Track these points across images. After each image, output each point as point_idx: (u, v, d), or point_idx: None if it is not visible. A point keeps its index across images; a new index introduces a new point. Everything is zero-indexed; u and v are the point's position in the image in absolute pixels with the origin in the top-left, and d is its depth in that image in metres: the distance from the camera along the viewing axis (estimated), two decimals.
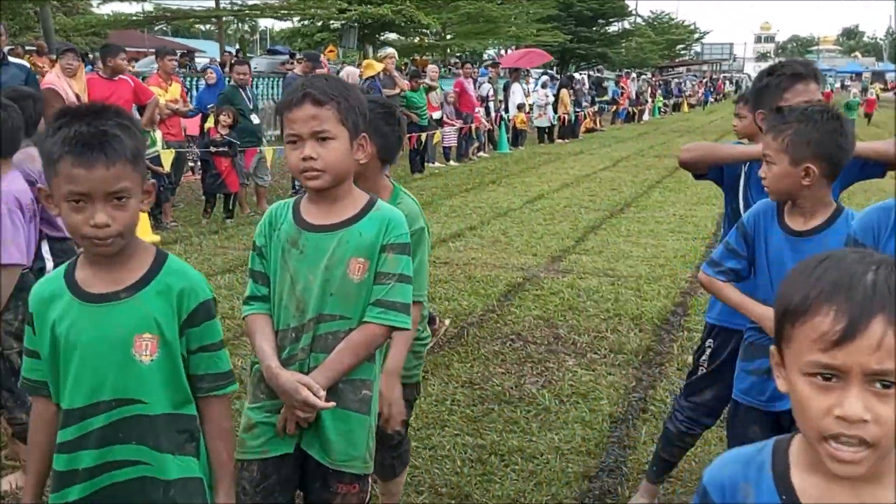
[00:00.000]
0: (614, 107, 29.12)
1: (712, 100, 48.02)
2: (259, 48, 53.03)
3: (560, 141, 21.03)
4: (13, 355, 3.27)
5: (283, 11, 25.95)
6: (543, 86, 19.66)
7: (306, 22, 29.17)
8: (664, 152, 17.79)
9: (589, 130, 24.32)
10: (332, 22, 28.64)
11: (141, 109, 8.21)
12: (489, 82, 16.64)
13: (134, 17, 24.27)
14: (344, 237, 2.08)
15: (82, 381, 1.76)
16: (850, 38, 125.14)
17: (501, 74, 17.61)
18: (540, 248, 7.85)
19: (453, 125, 14.94)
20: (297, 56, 25.45)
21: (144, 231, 8.05)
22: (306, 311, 2.08)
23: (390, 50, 13.60)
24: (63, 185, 1.66)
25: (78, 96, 7.21)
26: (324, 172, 2.03)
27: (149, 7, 24.70)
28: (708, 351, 2.94)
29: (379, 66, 12.43)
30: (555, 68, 40.68)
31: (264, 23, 62.62)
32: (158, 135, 8.59)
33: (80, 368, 1.76)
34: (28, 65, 6.79)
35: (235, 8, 25.36)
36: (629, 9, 51.62)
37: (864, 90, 43.68)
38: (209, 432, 1.87)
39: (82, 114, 1.69)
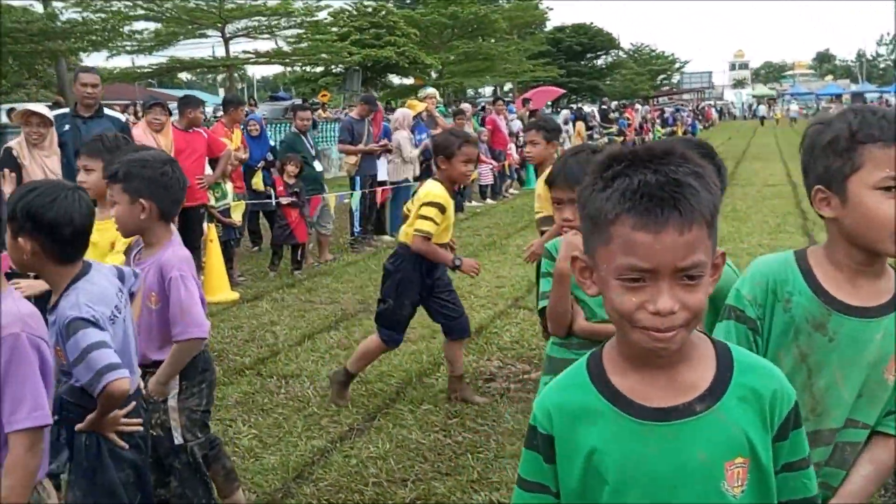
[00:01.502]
0: (622, 138, 29.06)
1: (701, 127, 48.23)
2: (247, 95, 52.69)
3: None
4: (195, 447, 2.81)
5: (294, 58, 25.75)
6: (565, 122, 19.42)
7: (308, 68, 29.03)
8: None
9: None
10: (333, 66, 28.49)
11: (213, 162, 7.76)
12: (518, 119, 16.34)
13: (147, 70, 23.94)
14: (889, 326, 1.61)
15: None
16: (825, 62, 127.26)
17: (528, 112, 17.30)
18: None
19: (489, 163, 14.57)
20: (313, 101, 25.25)
21: (222, 288, 7.56)
22: (826, 416, 1.63)
23: (431, 90, 13.27)
24: (617, 255, 1.22)
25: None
26: None
27: (161, 59, 24.37)
28: None
29: (421, 106, 12.07)
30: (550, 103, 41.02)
31: (250, 71, 62.54)
32: (229, 186, 8.13)
33: None
34: (124, 118, 6.30)
35: (246, 56, 25.11)
36: (617, 41, 51.93)
37: None
38: None
39: (643, 158, 1.24)
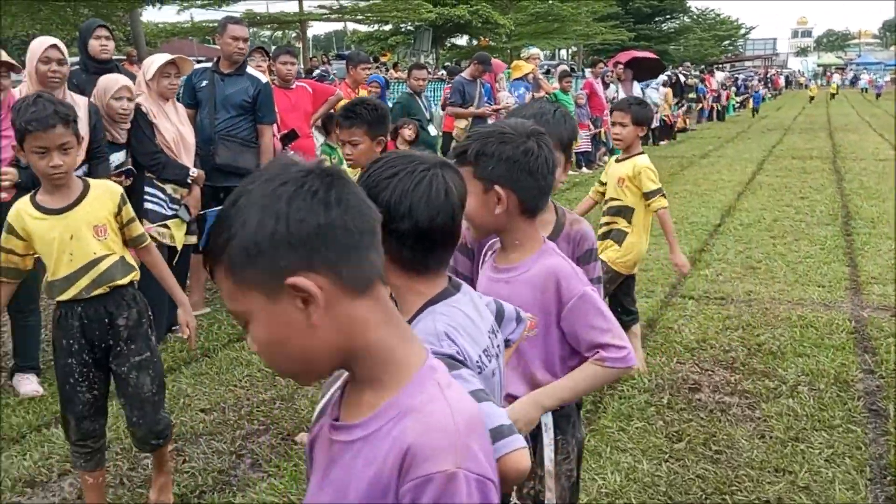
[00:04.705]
0: (699, 105, 27.79)
1: (769, 95, 46.37)
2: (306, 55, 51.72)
3: (663, 143, 19.77)
4: None
5: (368, 14, 24.88)
6: (665, 85, 18.39)
7: (377, 26, 28.16)
8: (796, 152, 16.49)
9: (680, 130, 23.06)
10: (403, 25, 27.59)
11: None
12: (613, 83, 15.35)
13: (214, 24, 23.28)
14: None
15: None
16: (892, 31, 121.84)
17: (622, 76, 16.23)
18: (815, 276, 6.58)
19: (587, 129, 13.69)
20: (384, 61, 24.46)
21: None
22: None
23: (535, 50, 12.42)
24: None
25: None
26: None
27: (237, 13, 23.64)
28: None
29: (528, 67, 11.27)
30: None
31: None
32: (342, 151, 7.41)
33: None
34: (265, 79, 5.55)
35: (320, 12, 24.31)
36: (687, 5, 50.01)
37: None
38: None
39: None
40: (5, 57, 4.15)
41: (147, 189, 4.93)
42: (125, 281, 2.89)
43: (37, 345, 4.58)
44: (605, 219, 4.57)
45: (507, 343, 1.77)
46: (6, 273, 2.83)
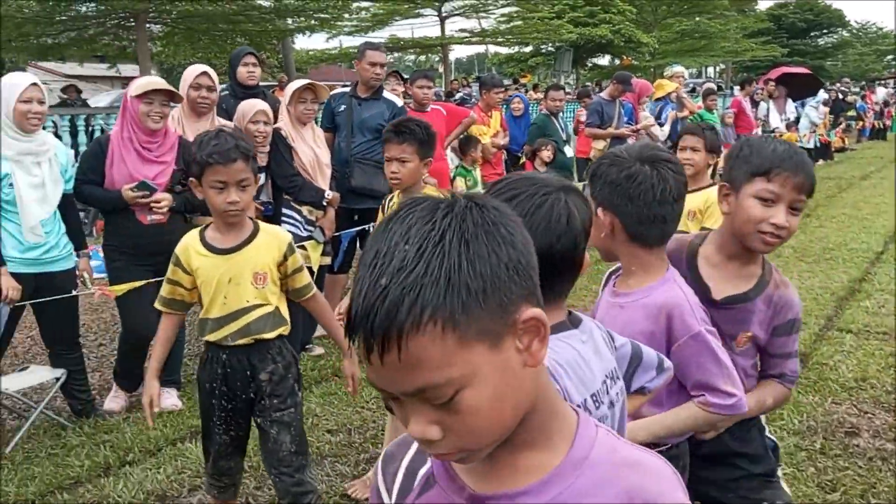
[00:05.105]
0: (860, 123, 26.07)
1: None
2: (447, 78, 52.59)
3: (819, 163, 18.61)
4: None
5: (508, 36, 25.01)
6: (825, 104, 17.31)
7: (518, 48, 28.26)
8: None
9: (838, 150, 21.66)
10: (543, 46, 27.53)
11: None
12: (764, 101, 14.62)
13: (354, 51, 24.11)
14: None
15: None
16: None
17: (774, 93, 15.42)
18: None
19: None
20: (522, 82, 24.47)
21: None
22: None
23: (678, 68, 11.99)
24: None
25: None
26: None
27: (382, 39, 24.43)
28: None
29: (671, 86, 10.86)
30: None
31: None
32: (478, 173, 7.38)
33: None
34: (400, 102, 5.63)
35: (462, 35, 24.72)
36: (846, 19, 47.32)
37: None
38: None
39: None
40: (167, 85, 4.31)
41: (284, 211, 5.05)
42: (272, 335, 2.76)
43: (179, 360, 4.76)
44: None
45: (643, 391, 1.64)
46: (174, 305, 2.80)
